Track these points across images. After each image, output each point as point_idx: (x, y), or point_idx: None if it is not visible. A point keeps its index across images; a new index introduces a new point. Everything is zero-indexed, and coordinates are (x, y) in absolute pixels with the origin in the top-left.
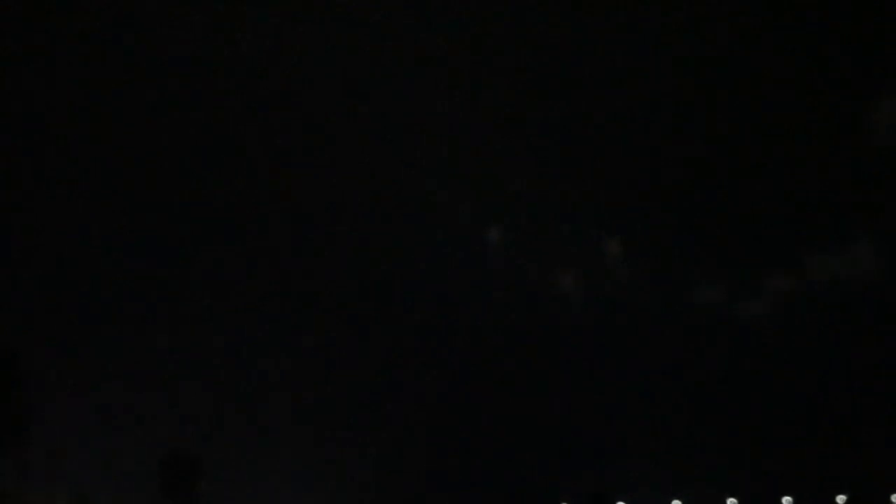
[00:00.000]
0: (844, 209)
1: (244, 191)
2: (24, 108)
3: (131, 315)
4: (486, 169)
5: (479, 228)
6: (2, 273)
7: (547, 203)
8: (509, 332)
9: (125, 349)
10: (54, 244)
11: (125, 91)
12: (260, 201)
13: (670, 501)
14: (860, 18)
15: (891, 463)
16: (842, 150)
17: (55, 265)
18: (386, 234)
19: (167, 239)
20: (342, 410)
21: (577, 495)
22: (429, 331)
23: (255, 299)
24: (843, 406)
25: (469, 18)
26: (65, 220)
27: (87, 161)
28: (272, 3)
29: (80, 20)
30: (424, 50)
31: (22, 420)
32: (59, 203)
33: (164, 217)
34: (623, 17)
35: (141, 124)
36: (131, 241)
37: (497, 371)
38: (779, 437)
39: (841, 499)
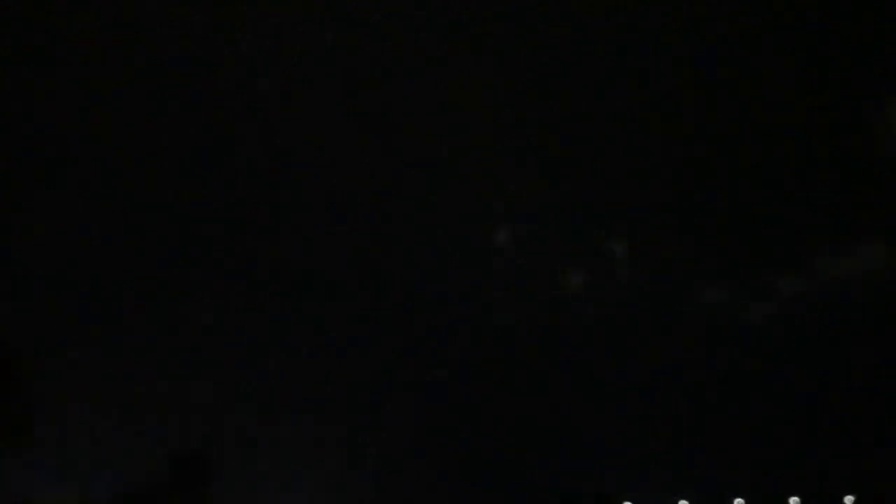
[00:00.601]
0: (854, 210)
1: (248, 192)
2: (24, 108)
3: (139, 314)
4: (491, 170)
5: (484, 230)
6: (7, 272)
7: (553, 204)
8: (515, 333)
9: (134, 348)
10: (60, 243)
11: (125, 91)
12: (264, 201)
13: (676, 502)
14: (870, 17)
15: None
16: (852, 151)
17: (61, 264)
18: (391, 236)
19: (173, 239)
20: (353, 410)
21: (582, 495)
22: (434, 331)
23: (263, 299)
24: (851, 406)
25: (471, 18)
26: (68, 218)
27: (88, 161)
28: (272, 3)
29: (80, 20)
30: (427, 49)
31: (29, 420)
32: (61, 202)
33: (170, 217)
34: (627, 17)
35: (140, 124)
36: (138, 240)
37: (502, 371)
38: (786, 437)
39: (849, 499)
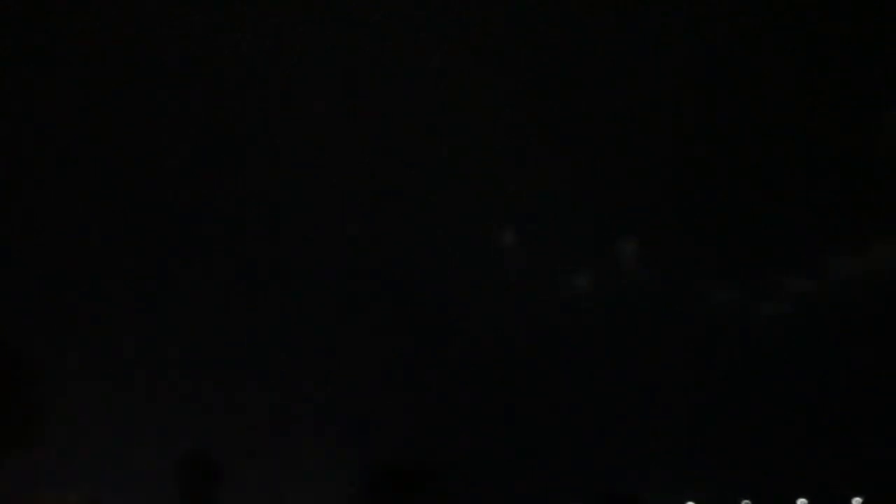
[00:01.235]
0: (862, 209)
1: (248, 193)
2: (24, 108)
3: (147, 316)
4: (496, 171)
5: (491, 230)
6: (15, 273)
7: (560, 204)
8: (523, 333)
9: (140, 350)
10: (65, 245)
11: (125, 91)
12: (264, 202)
13: (684, 502)
14: (883, 16)
15: None
16: (861, 150)
17: (67, 265)
18: (393, 238)
19: (177, 241)
20: (362, 414)
21: (590, 495)
22: (439, 334)
23: (268, 301)
24: (859, 406)
25: (474, 17)
26: (72, 220)
27: (88, 161)
28: (272, 3)
29: (80, 20)
30: (431, 48)
31: (35, 421)
32: (66, 204)
33: (173, 219)
34: (638, 13)
35: (140, 123)
36: (143, 242)
37: (511, 372)
38: (794, 437)
39: (857, 501)
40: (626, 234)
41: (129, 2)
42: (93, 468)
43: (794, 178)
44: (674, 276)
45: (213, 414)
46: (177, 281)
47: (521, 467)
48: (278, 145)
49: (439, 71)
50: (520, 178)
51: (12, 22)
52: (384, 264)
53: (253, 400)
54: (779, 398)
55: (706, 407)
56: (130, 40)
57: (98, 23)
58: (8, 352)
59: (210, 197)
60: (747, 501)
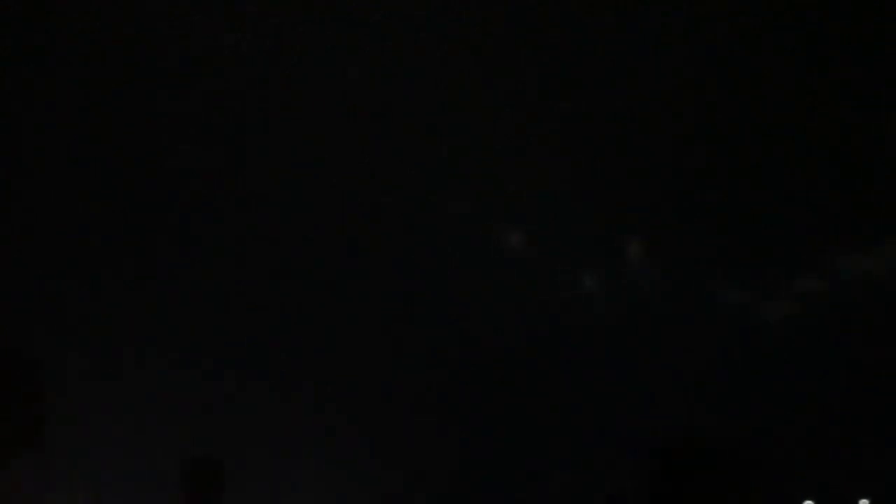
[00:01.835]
0: (871, 210)
1: (248, 193)
2: (24, 108)
3: (152, 319)
4: (504, 173)
5: (499, 232)
6: (22, 277)
7: (568, 205)
8: (532, 335)
9: (146, 353)
10: (72, 253)
11: (125, 91)
12: (263, 202)
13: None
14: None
15: None
16: (870, 152)
17: (76, 268)
18: (404, 241)
19: (182, 246)
20: (370, 418)
21: (597, 498)
22: (448, 336)
23: (272, 304)
24: (870, 408)
25: (478, 17)
26: (79, 223)
27: (89, 161)
28: (272, 3)
29: (80, 20)
30: (436, 49)
31: (42, 425)
32: (71, 207)
33: (175, 221)
34: (646, 13)
35: (141, 123)
36: (150, 247)
37: (519, 374)
38: (803, 438)
39: (864, 503)
40: (633, 236)
41: (130, 2)
42: (95, 472)
43: (802, 179)
44: (683, 276)
45: (218, 419)
46: (181, 288)
47: (525, 467)
48: (277, 145)
49: (445, 73)
50: (528, 180)
51: (12, 22)
52: (391, 270)
53: (256, 405)
54: (790, 400)
55: (716, 408)
56: (131, 40)
57: (98, 23)
58: (11, 357)
59: (210, 197)
60: None
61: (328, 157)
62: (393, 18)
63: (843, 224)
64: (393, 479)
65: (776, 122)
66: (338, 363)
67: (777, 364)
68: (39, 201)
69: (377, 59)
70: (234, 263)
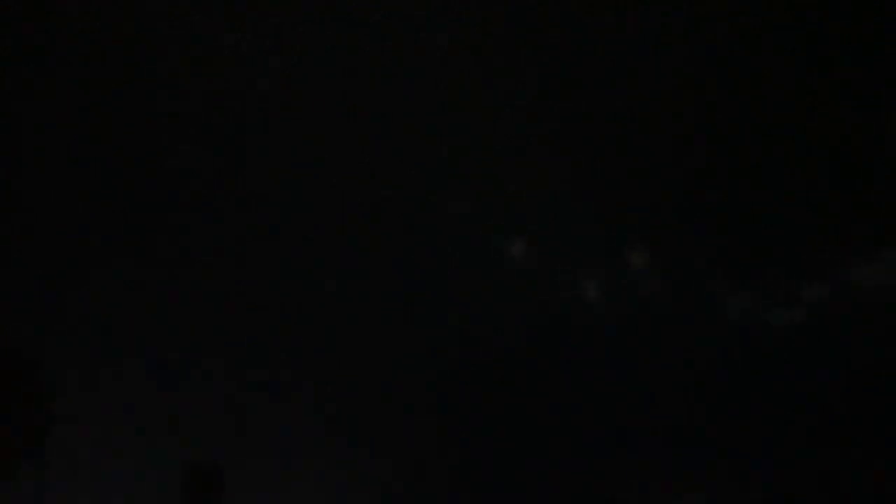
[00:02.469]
0: (879, 217)
1: (248, 194)
2: (24, 108)
3: (153, 323)
4: (504, 173)
5: (500, 240)
6: (22, 277)
7: (569, 205)
8: (534, 342)
9: (146, 354)
10: (75, 258)
11: (125, 91)
12: (269, 205)
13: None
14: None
15: None
16: (879, 159)
17: (76, 268)
18: (404, 241)
19: (183, 252)
20: (369, 421)
21: (595, 499)
22: (453, 341)
23: (272, 304)
24: (880, 415)
25: (478, 17)
26: (79, 223)
27: (91, 163)
28: (272, 3)
29: (80, 20)
30: (436, 50)
31: (42, 431)
32: (71, 207)
33: (177, 222)
34: (646, 13)
35: (141, 123)
36: (150, 247)
37: (519, 375)
38: (811, 444)
39: None
40: (638, 243)
41: (130, 2)
42: (95, 475)
43: (810, 188)
44: (687, 283)
45: (218, 420)
46: (182, 293)
47: (526, 472)
48: (277, 145)
49: (446, 77)
50: (529, 181)
51: (12, 22)
52: (393, 274)
53: (256, 411)
54: (798, 407)
55: (721, 416)
56: (131, 40)
57: (98, 23)
58: (12, 360)
59: (210, 197)
60: None
61: (328, 157)
62: (393, 18)
63: (847, 228)
64: (393, 480)
65: (777, 123)
66: (338, 363)
67: (780, 368)
68: (39, 201)
69: (377, 59)
70: (234, 263)
